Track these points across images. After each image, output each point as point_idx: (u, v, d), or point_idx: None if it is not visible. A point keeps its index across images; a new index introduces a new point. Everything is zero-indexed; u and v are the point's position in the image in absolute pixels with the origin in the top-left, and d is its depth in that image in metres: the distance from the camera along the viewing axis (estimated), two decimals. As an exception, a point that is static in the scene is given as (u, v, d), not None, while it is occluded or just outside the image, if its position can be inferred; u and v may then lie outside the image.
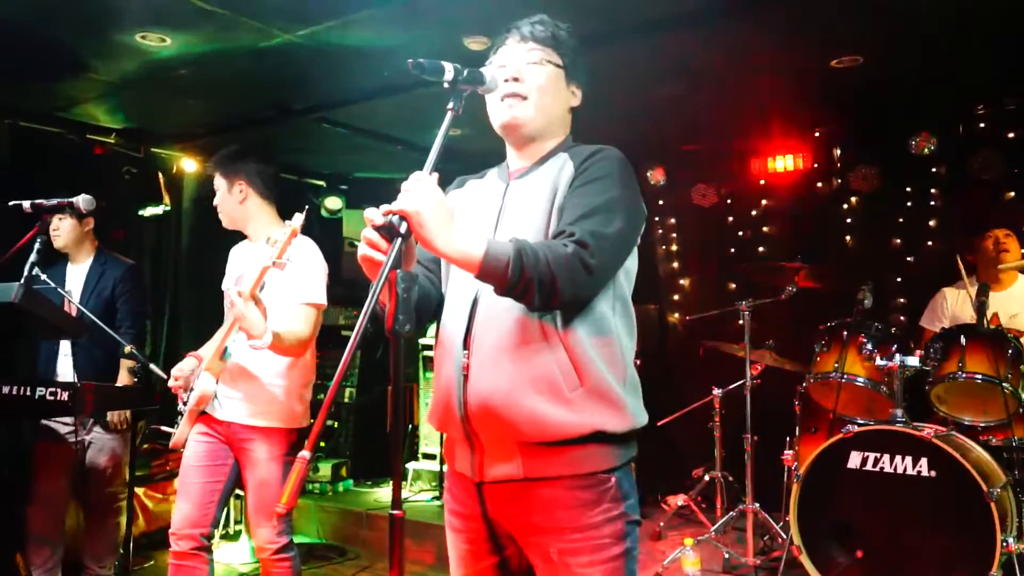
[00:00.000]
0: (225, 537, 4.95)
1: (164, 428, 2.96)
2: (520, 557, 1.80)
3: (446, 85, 1.62)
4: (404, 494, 5.59)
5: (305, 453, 1.25)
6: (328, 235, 6.15)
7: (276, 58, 3.91)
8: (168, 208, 5.49)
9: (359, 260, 1.54)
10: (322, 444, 5.98)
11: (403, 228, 1.45)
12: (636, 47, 3.81)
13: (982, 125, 4.59)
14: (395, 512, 1.44)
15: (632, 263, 1.79)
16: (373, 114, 4.86)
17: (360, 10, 3.40)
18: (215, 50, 3.82)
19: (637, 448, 1.77)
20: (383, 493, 5.63)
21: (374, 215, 1.50)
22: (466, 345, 1.72)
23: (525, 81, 1.78)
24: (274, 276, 2.61)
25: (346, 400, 6.09)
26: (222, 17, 3.45)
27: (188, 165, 5.65)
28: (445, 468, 1.98)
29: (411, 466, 5.65)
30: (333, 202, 6.52)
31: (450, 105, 1.62)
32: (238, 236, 3.18)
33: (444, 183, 1.58)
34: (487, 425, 1.68)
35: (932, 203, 4.98)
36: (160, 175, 5.37)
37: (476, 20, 3.47)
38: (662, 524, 4.70)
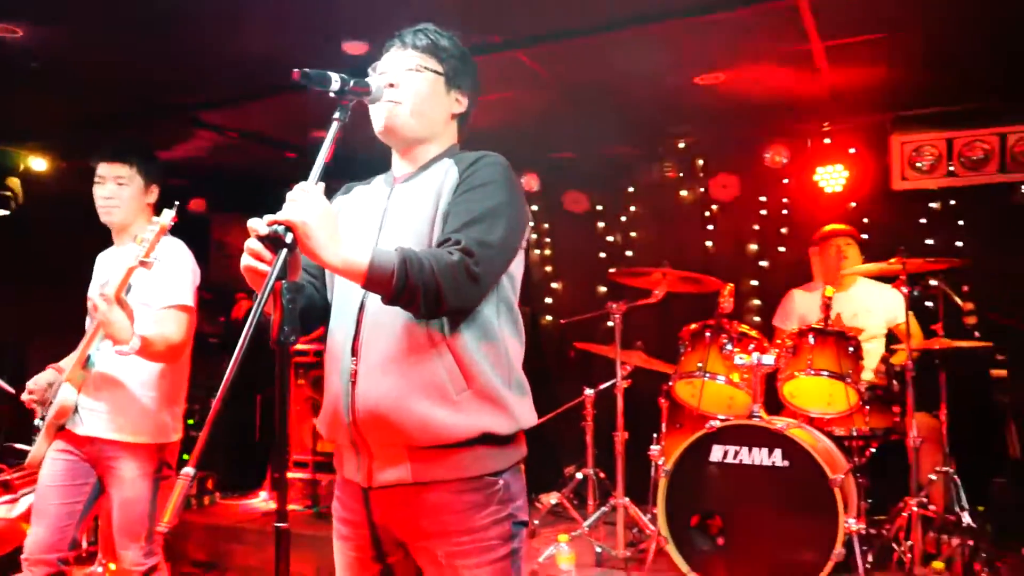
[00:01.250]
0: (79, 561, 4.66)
1: (18, 446, 2.77)
2: (405, 565, 1.81)
3: (332, 95, 1.62)
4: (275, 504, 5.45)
5: (189, 470, 1.23)
6: (195, 238, 5.89)
7: (141, 54, 3.75)
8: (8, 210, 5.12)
9: (242, 270, 1.51)
10: (184, 456, 5.72)
11: (288, 239, 1.44)
12: (513, 59, 3.92)
13: (827, 141, 4.98)
14: (280, 525, 1.44)
15: (517, 268, 1.82)
16: (246, 116, 4.73)
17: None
18: (73, 43, 3.61)
19: (524, 449, 1.80)
20: (253, 505, 5.45)
21: (258, 225, 1.48)
22: (354, 352, 1.72)
23: (401, 87, 1.80)
24: (141, 277, 2.50)
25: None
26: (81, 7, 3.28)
27: (37, 164, 5.28)
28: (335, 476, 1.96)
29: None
30: (198, 204, 6.27)
31: (336, 115, 1.62)
32: (99, 238, 3.00)
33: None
34: (376, 431, 1.69)
35: (784, 212, 5.35)
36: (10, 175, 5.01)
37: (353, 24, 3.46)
38: (536, 522, 4.80)
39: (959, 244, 4.90)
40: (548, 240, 6.06)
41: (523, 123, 5.09)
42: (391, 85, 1.80)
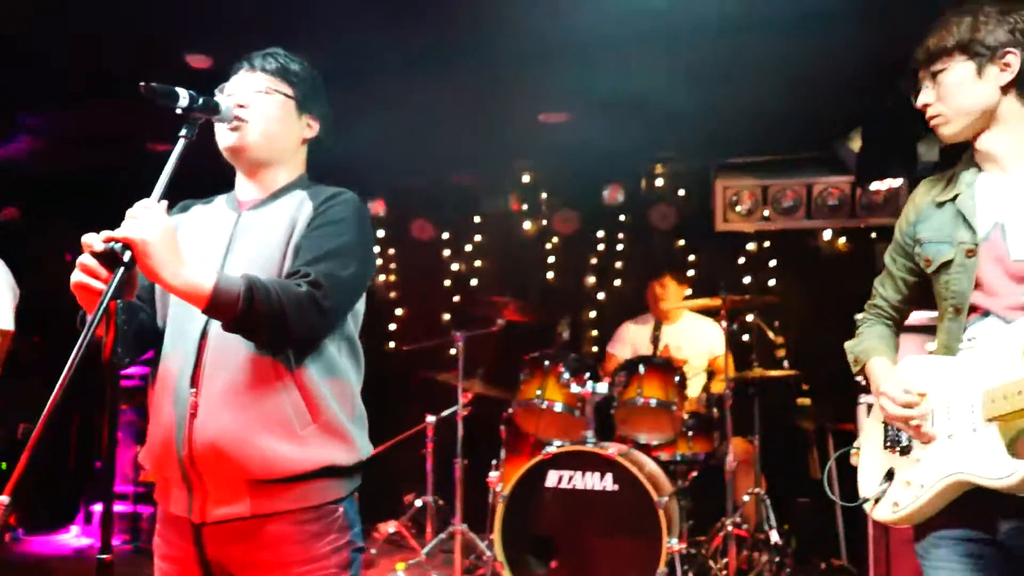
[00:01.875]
0: None
1: None
2: None
3: (179, 111, 1.58)
4: (91, 540, 5.07)
5: (3, 498, 1.15)
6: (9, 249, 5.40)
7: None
8: None
9: (72, 287, 1.44)
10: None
11: (127, 257, 1.39)
12: (356, 88, 3.94)
13: (659, 183, 5.33)
14: (103, 556, 1.37)
15: (360, 305, 1.85)
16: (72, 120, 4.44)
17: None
18: None
19: (360, 478, 1.81)
20: (63, 541, 5.03)
21: (93, 241, 1.42)
22: (194, 382, 1.66)
23: (250, 108, 1.78)
24: None
25: (19, 438, 5.37)
26: None
27: None
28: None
29: (98, 508, 5.12)
30: (10, 212, 5.78)
31: (183, 132, 1.58)
32: None
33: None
34: (214, 465, 1.64)
35: (619, 247, 5.65)
36: None
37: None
38: (374, 551, 4.73)
39: (772, 283, 5.36)
40: (393, 266, 6.06)
41: (371, 147, 5.09)
42: (240, 106, 1.77)
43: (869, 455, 1.87)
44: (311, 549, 1.68)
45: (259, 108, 1.79)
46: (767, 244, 5.41)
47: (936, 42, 1.71)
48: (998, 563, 1.64)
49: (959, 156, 1.82)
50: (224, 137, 1.78)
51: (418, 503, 4.81)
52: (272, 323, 1.56)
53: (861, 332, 1.96)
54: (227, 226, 1.80)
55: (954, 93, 1.69)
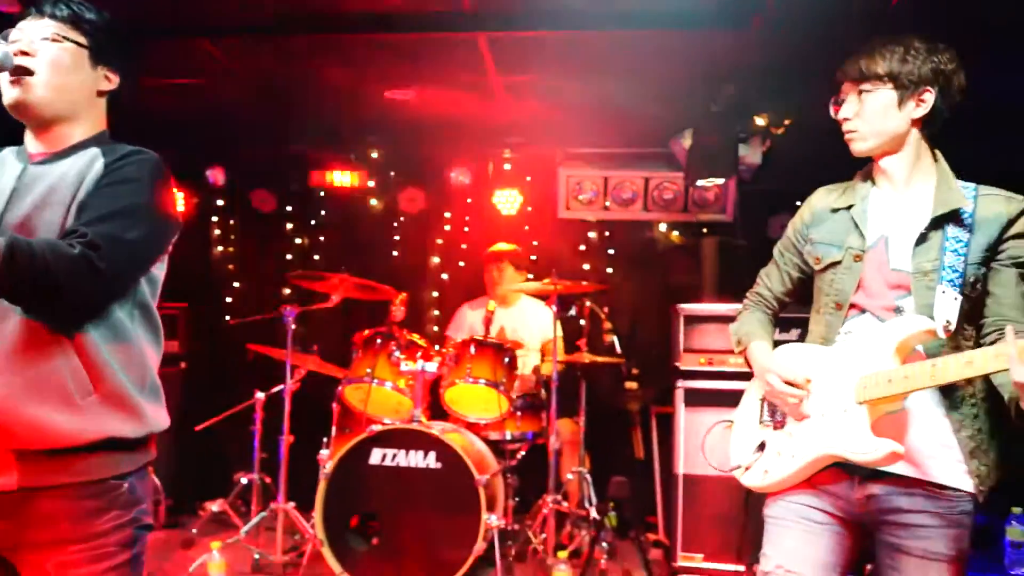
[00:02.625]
0: None
1: None
2: None
3: None
4: None
5: None
6: None
7: None
8: None
9: None
10: None
11: None
12: (201, 47, 3.79)
13: (507, 167, 5.39)
14: None
15: (158, 271, 1.78)
16: None
17: None
18: None
19: (153, 452, 1.76)
20: None
21: None
22: None
23: (36, 56, 1.67)
24: None
25: None
26: None
27: None
28: None
29: None
30: None
31: None
32: None
33: None
34: None
35: (465, 229, 5.69)
36: None
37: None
38: (195, 531, 4.59)
39: (609, 271, 5.56)
40: (233, 237, 5.85)
41: (213, 114, 4.90)
42: (23, 53, 1.65)
43: (743, 428, 2.06)
44: (89, 526, 1.61)
45: (45, 56, 1.67)
46: (607, 233, 5.59)
47: (869, 64, 1.85)
48: (831, 531, 1.85)
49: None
50: (7, 90, 1.66)
51: (244, 481, 4.70)
52: (37, 285, 1.47)
53: (743, 317, 2.14)
54: (9, 180, 1.68)
55: (875, 116, 1.85)
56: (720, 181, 4.34)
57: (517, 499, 4.49)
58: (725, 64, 3.85)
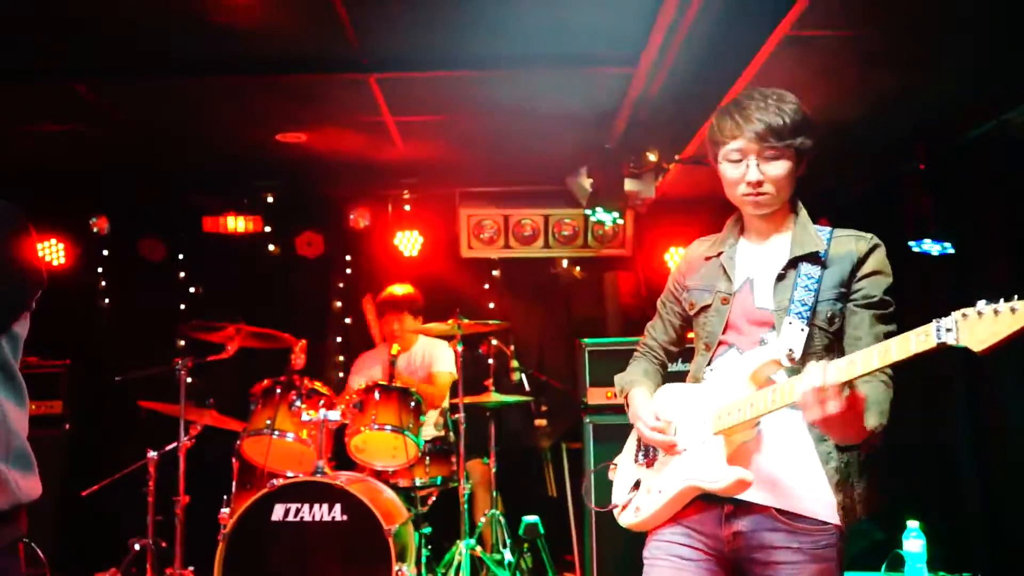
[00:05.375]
0: None
1: None
2: None
3: None
4: None
5: None
6: None
7: None
8: None
9: None
10: None
11: None
12: (70, 90, 3.62)
13: (407, 208, 5.35)
14: None
15: (21, 328, 1.67)
16: None
17: None
18: None
19: (24, 526, 1.65)
20: None
21: None
22: None
23: None
24: None
25: None
26: None
27: None
28: None
29: None
30: None
31: None
32: None
33: None
34: None
35: (367, 271, 5.60)
36: None
37: None
38: (86, 604, 4.29)
39: (513, 308, 5.56)
40: (120, 288, 5.57)
41: (93, 162, 4.69)
42: None
43: (623, 469, 2.09)
44: None
45: None
46: (509, 271, 5.60)
47: (773, 126, 1.81)
48: (702, 568, 1.83)
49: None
50: None
51: (137, 547, 4.41)
52: None
53: (630, 366, 2.19)
54: None
55: (782, 182, 1.87)
56: (616, 216, 4.41)
57: (430, 547, 4.38)
58: (615, 101, 3.94)
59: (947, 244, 3.96)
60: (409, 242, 5.34)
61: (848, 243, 1.86)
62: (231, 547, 3.61)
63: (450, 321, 4.24)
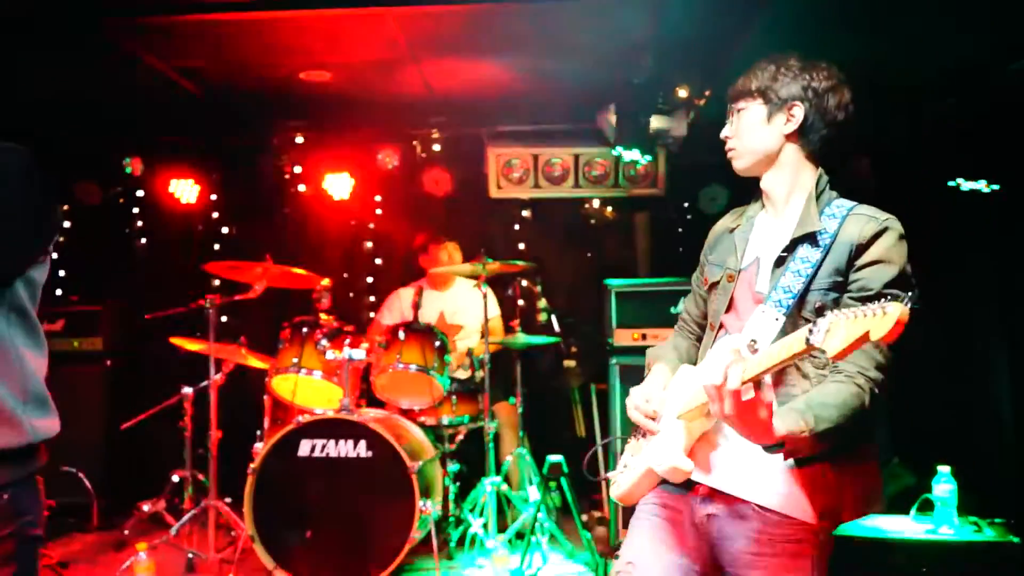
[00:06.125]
0: None
1: None
2: None
3: None
4: None
5: None
6: None
7: None
8: None
9: None
10: None
11: None
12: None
13: (436, 148, 5.29)
14: None
15: (38, 273, 1.69)
16: None
17: None
18: None
19: (42, 460, 1.68)
20: None
21: None
22: None
23: None
24: None
25: None
26: None
27: None
28: None
29: None
30: None
31: None
32: None
33: None
34: None
35: (398, 212, 5.59)
36: None
37: None
38: (127, 532, 4.47)
39: (543, 249, 5.51)
40: (153, 229, 5.67)
41: (125, 103, 4.72)
42: None
43: (631, 443, 2.06)
44: None
45: None
46: (539, 211, 5.54)
47: (742, 83, 1.85)
48: (681, 530, 1.81)
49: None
50: None
51: (176, 479, 4.57)
52: None
53: (665, 341, 2.14)
54: None
55: (746, 132, 1.84)
56: (643, 155, 4.30)
57: (458, 484, 4.45)
58: (644, 34, 3.80)
59: (992, 183, 3.80)
60: (438, 181, 5.29)
61: (856, 225, 1.70)
62: (260, 481, 3.73)
63: (477, 261, 4.22)
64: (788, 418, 1.55)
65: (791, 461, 1.65)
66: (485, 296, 4.28)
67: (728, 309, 1.85)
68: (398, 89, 4.61)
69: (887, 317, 1.25)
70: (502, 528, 4.23)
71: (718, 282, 1.90)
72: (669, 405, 1.83)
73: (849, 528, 2.85)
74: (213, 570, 3.99)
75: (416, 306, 4.31)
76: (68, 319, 5.09)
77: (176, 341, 4.36)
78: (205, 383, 4.29)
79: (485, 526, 4.15)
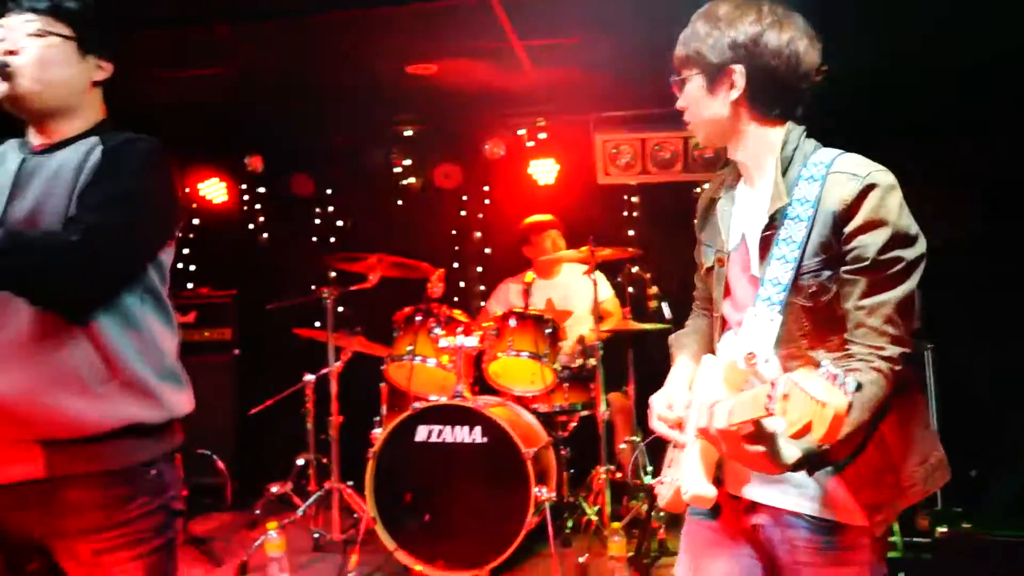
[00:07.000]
0: None
1: None
2: (48, 572, 1.70)
3: None
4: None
5: None
6: None
7: None
8: None
9: None
10: None
11: None
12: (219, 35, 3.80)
13: (542, 136, 5.30)
14: None
15: (166, 257, 1.78)
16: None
17: None
18: None
19: (180, 438, 1.78)
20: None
21: None
22: None
23: (22, 54, 1.67)
24: None
25: None
26: None
27: None
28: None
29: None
30: None
31: None
32: None
33: None
34: (1, 423, 1.57)
35: (504, 201, 5.63)
36: None
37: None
38: (258, 512, 4.71)
39: (652, 235, 5.42)
40: (273, 224, 5.92)
41: (245, 103, 4.95)
42: (10, 52, 1.66)
43: (669, 453, 1.89)
44: (119, 513, 1.64)
45: (31, 53, 1.67)
46: (648, 197, 5.46)
47: (677, 49, 1.66)
48: (730, 536, 1.68)
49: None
50: None
51: (300, 462, 4.78)
52: (31, 279, 1.50)
53: (686, 325, 1.94)
54: (10, 172, 1.69)
55: (693, 105, 1.65)
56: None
57: (572, 471, 4.45)
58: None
59: None
60: (545, 170, 5.30)
61: (836, 187, 1.45)
62: (379, 465, 3.84)
63: (584, 248, 4.20)
64: (790, 448, 1.37)
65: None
66: (595, 282, 4.25)
67: (725, 295, 1.66)
68: (502, 78, 4.62)
69: (825, 411, 1.09)
70: (616, 516, 4.20)
71: (712, 267, 1.69)
72: (694, 412, 1.61)
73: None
74: (337, 549, 4.14)
75: (526, 294, 4.33)
76: (199, 311, 5.40)
77: (297, 330, 4.54)
78: (325, 370, 4.46)
79: (599, 513, 4.14)
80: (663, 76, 4.81)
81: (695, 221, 1.82)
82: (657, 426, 1.70)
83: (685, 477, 1.58)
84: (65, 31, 1.72)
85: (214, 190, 5.68)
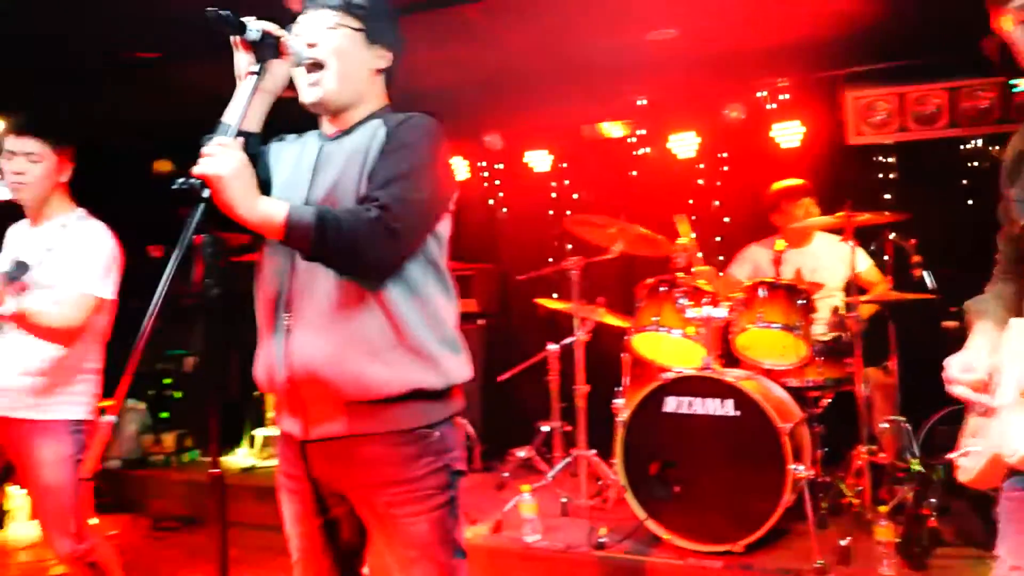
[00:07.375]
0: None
1: None
2: (349, 518, 1.88)
3: (240, 43, 1.65)
4: (252, 460, 5.57)
5: (110, 418, 1.28)
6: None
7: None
8: None
9: None
10: (163, 415, 5.83)
11: (206, 193, 1.50)
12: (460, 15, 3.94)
13: (784, 97, 5.02)
14: (214, 472, 1.51)
15: (444, 229, 1.88)
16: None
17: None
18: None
19: (461, 403, 1.88)
20: (231, 461, 5.56)
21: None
22: (288, 307, 1.77)
23: (321, 46, 1.80)
24: (49, 261, 2.61)
25: (188, 370, 5.94)
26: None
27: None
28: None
29: (259, 432, 5.61)
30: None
31: (253, 70, 1.65)
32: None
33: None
34: (311, 386, 1.74)
35: (744, 167, 5.41)
36: None
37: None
38: (506, 474, 4.92)
39: (912, 198, 4.97)
40: (513, 198, 6.11)
41: (481, 81, 5.10)
42: (311, 45, 1.80)
43: (971, 422, 1.74)
44: (407, 470, 1.76)
45: (330, 45, 1.81)
46: (906, 156, 5.00)
47: None
48: None
49: None
50: (305, 92, 1.82)
51: (545, 429, 4.94)
52: (345, 250, 1.63)
53: (986, 290, 1.80)
54: (311, 158, 1.87)
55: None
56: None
57: (826, 449, 4.22)
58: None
59: None
60: (788, 133, 5.02)
61: None
62: (629, 434, 3.85)
63: (840, 213, 3.93)
64: None
65: None
66: (853, 250, 3.98)
67: None
68: (742, 40, 4.42)
69: None
70: (880, 500, 3.93)
71: None
72: (1007, 373, 1.49)
73: None
74: (584, 515, 4.23)
75: (778, 263, 4.13)
76: (446, 283, 5.71)
77: (540, 301, 4.66)
78: (569, 340, 4.55)
79: (860, 495, 3.90)
80: (924, 21, 4.37)
81: (1002, 177, 1.64)
82: (958, 390, 1.58)
83: (1009, 439, 1.47)
84: (355, 23, 1.84)
85: (456, 168, 5.97)
